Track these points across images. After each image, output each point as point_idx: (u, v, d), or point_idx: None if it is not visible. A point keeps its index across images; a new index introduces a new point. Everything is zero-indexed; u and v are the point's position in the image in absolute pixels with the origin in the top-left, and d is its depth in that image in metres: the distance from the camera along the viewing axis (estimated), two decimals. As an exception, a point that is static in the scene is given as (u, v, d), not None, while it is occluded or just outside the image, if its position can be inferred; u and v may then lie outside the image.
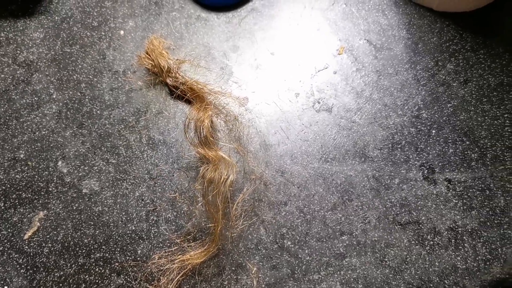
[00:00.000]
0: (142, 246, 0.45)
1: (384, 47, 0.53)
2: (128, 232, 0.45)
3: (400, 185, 0.45)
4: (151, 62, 0.51)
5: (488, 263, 0.41)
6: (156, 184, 0.47)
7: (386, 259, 0.42)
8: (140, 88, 0.52)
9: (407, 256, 0.42)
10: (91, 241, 0.45)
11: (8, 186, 0.47)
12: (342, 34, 0.54)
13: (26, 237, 0.45)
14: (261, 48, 0.54)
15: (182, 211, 0.46)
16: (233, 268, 0.43)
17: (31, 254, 0.45)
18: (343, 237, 0.44)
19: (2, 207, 0.46)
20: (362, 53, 0.53)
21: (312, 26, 0.55)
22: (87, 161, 0.49)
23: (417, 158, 0.47)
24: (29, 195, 0.47)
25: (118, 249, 0.45)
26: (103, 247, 0.45)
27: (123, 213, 0.46)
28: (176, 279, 0.42)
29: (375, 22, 0.54)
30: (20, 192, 0.47)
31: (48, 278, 0.44)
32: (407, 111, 0.49)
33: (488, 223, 0.43)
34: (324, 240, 0.44)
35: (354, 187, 0.46)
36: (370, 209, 0.45)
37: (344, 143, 0.48)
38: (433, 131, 0.48)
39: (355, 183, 0.46)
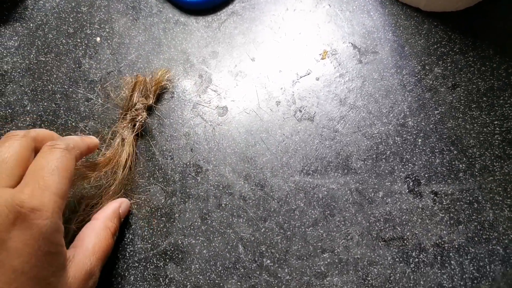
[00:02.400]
0: (117, 266, 0.43)
1: (369, 50, 0.50)
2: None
3: (385, 198, 0.43)
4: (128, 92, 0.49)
5: (475, 281, 0.40)
6: (131, 200, 0.45)
7: (369, 278, 0.41)
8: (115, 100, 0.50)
9: (391, 274, 0.40)
10: (65, 262, 0.44)
11: None
12: (326, 37, 0.52)
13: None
14: (242, 53, 0.52)
15: (159, 228, 0.44)
16: (210, 289, 0.42)
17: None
18: (325, 255, 0.42)
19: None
20: (346, 58, 0.50)
21: (294, 29, 0.53)
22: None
23: (402, 169, 0.44)
24: None
25: (92, 270, 0.43)
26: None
27: (98, 232, 0.44)
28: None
29: (359, 24, 0.52)
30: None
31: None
32: (393, 119, 0.47)
33: (476, 239, 0.41)
34: (305, 258, 0.42)
35: (336, 201, 0.44)
36: (352, 224, 0.43)
37: (327, 154, 0.46)
38: (419, 140, 0.46)
39: (337, 196, 0.44)
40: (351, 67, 0.50)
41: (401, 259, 0.41)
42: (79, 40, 0.54)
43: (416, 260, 0.41)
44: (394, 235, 0.42)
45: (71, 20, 0.56)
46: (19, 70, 0.53)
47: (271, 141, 0.47)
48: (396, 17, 0.52)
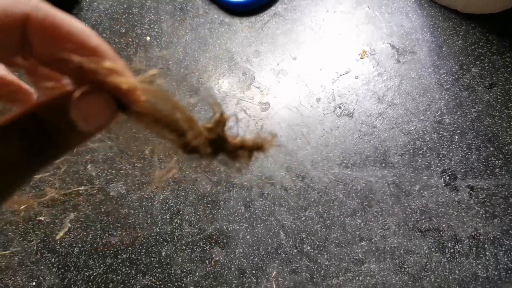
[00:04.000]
0: (166, 248, 0.46)
1: (407, 50, 0.52)
2: (153, 234, 0.47)
3: (421, 191, 0.45)
4: None
5: (509, 271, 0.41)
6: (180, 188, 0.49)
7: (405, 266, 0.42)
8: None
9: (427, 263, 0.42)
10: (118, 242, 0.47)
11: (42, 189, 0.50)
12: (365, 37, 0.54)
13: (58, 237, 0.48)
14: (283, 52, 0.55)
15: (205, 214, 0.47)
16: (253, 271, 0.44)
17: (63, 254, 0.47)
18: (362, 243, 0.44)
19: (36, 209, 0.49)
20: (385, 57, 0.52)
21: (334, 30, 0.55)
22: (114, 165, 0.50)
23: (438, 164, 0.46)
24: (61, 197, 0.49)
25: (144, 251, 0.46)
26: (129, 248, 0.46)
27: (148, 216, 0.48)
28: None
29: (398, 25, 0.54)
30: (53, 194, 0.49)
31: (78, 277, 0.46)
32: (430, 116, 0.48)
33: (511, 231, 0.43)
34: (343, 245, 0.44)
35: (374, 193, 0.46)
36: (389, 215, 0.45)
37: (365, 148, 0.48)
38: (456, 137, 0.47)
39: (375, 189, 0.46)
40: (389, 66, 0.52)
41: (437, 249, 0.43)
42: (130, 39, 0.58)
43: (452, 250, 0.42)
44: (430, 226, 0.44)
45: (123, 20, 0.60)
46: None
47: (312, 135, 0.50)
48: (434, 19, 0.54)
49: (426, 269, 0.42)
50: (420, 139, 0.48)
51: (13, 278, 0.46)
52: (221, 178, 0.49)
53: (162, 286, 0.45)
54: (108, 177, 0.50)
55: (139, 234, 0.47)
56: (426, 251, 0.43)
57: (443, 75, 0.50)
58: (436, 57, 0.51)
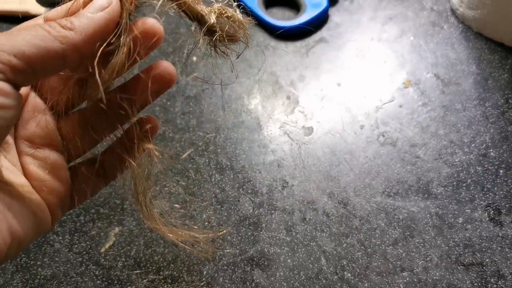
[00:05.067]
0: (207, 268, 0.47)
1: (452, 82, 0.53)
2: (194, 252, 0.48)
3: (464, 224, 0.45)
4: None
5: (555, 312, 0.41)
6: (222, 208, 0.50)
7: (447, 300, 0.42)
8: (210, 113, 0.55)
9: (470, 298, 0.42)
10: (161, 259, 0.48)
11: (88, 201, 0.51)
12: (409, 67, 0.55)
13: (103, 250, 0.49)
14: (328, 78, 0.56)
15: (247, 236, 0.48)
16: (293, 296, 0.45)
17: (107, 267, 0.48)
18: (404, 273, 0.44)
19: (83, 221, 0.50)
20: (429, 87, 0.53)
21: (379, 58, 0.56)
22: (158, 182, 0.52)
23: (483, 198, 0.46)
24: (106, 211, 0.51)
25: (185, 268, 0.47)
26: (171, 265, 0.47)
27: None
28: None
29: (443, 55, 0.55)
30: (98, 208, 0.51)
31: (121, 291, 0.47)
32: (474, 149, 0.49)
33: (557, 271, 0.42)
34: (384, 274, 0.44)
35: (416, 224, 0.46)
36: (432, 247, 0.45)
37: (408, 178, 0.48)
38: (501, 171, 0.47)
39: (417, 219, 0.46)
40: (434, 97, 0.52)
41: (479, 284, 0.42)
42: (177, 59, 0.60)
43: (495, 286, 0.42)
44: (473, 261, 0.44)
45: (171, 40, 0.62)
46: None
47: (355, 162, 0.50)
48: (480, 51, 0.54)
49: (468, 304, 0.42)
50: (464, 172, 0.48)
51: (58, 288, 0.48)
52: (263, 200, 0.50)
53: None
54: (152, 194, 0.51)
55: (181, 252, 0.48)
56: (469, 286, 0.43)
57: (488, 108, 0.50)
58: (482, 90, 0.52)
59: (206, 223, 0.49)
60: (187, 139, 0.54)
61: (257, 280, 0.46)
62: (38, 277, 0.48)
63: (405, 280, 0.44)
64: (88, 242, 0.50)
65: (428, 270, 0.44)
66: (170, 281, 0.47)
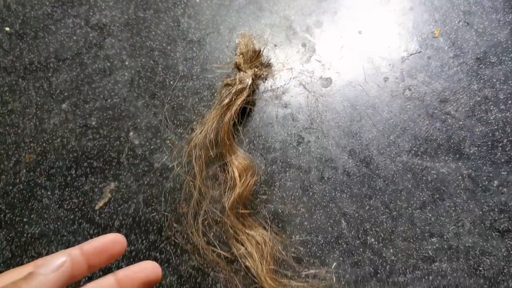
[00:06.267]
0: (215, 230, 0.43)
1: (487, 32, 0.48)
2: (199, 212, 0.43)
3: (500, 188, 0.41)
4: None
5: None
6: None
7: (480, 268, 0.39)
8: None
9: (505, 267, 0.39)
10: (163, 218, 0.43)
11: (80, 153, 0.46)
12: (439, 15, 0.49)
13: (97, 207, 0.44)
14: (348, 25, 0.50)
15: (259, 195, 0.43)
16: (311, 261, 0.41)
17: (102, 226, 0.43)
18: (433, 239, 0.40)
19: (74, 175, 0.45)
20: (461, 38, 0.48)
21: (405, 3, 0.50)
22: (159, 134, 0.47)
23: (520, 159, 0.42)
24: (101, 165, 0.46)
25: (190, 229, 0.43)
26: (175, 225, 0.43)
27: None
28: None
29: (477, 3, 0.49)
30: (92, 161, 0.46)
31: (119, 252, 0.42)
32: (511, 106, 0.44)
33: None
34: (411, 240, 0.40)
35: (447, 186, 0.42)
36: (464, 211, 0.41)
37: (437, 136, 0.44)
38: (540, 131, 0.43)
39: (447, 181, 0.42)
40: (466, 48, 0.47)
41: (516, 252, 0.39)
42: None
43: (532, 255, 0.39)
44: (510, 227, 0.40)
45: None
46: (117, 24, 0.52)
47: (378, 117, 0.45)
48: (518, -1, 0.49)
49: (504, 273, 0.38)
50: (500, 131, 0.43)
51: (47, 248, 0.43)
52: (276, 157, 0.45)
53: (210, 271, 0.42)
54: (152, 147, 0.46)
55: (184, 211, 0.44)
56: (505, 254, 0.39)
57: (526, 62, 0.46)
58: (519, 42, 0.47)
59: (214, 180, 0.44)
60: (190, 88, 0.48)
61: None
62: (25, 235, 0.43)
63: (434, 247, 0.40)
64: (80, 198, 0.45)
65: (459, 236, 0.40)
66: (173, 242, 0.42)
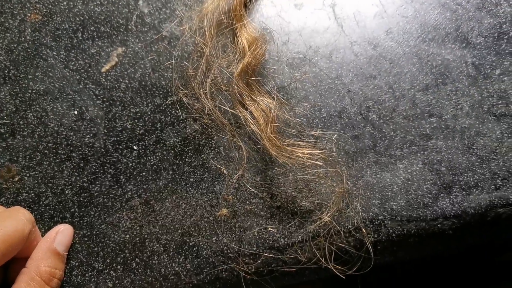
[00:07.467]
0: (220, 97, 0.43)
1: None
2: (207, 82, 0.44)
3: (501, 76, 0.42)
4: None
5: None
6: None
7: (474, 147, 0.41)
8: None
9: (497, 147, 0.40)
10: (169, 84, 0.44)
11: (87, 17, 0.45)
12: None
13: (103, 70, 0.44)
14: None
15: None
16: (312, 133, 0.42)
17: (108, 87, 0.44)
18: (432, 119, 0.42)
19: (80, 38, 0.45)
20: None
21: None
22: (169, 5, 0.46)
23: (523, 51, 0.43)
24: (108, 30, 0.45)
25: (195, 97, 0.43)
26: (181, 90, 0.43)
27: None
28: None
29: None
30: (99, 26, 0.45)
31: (124, 112, 0.43)
32: (521, 1, 0.45)
33: None
34: (411, 119, 0.42)
35: (450, 72, 0.43)
36: (464, 95, 0.42)
37: (446, 25, 0.44)
38: (546, 26, 0.44)
39: (451, 67, 0.43)
40: None
41: (510, 135, 0.41)
42: None
43: (525, 138, 0.41)
44: (506, 112, 0.41)
45: None
46: None
47: (389, 3, 0.45)
48: None
49: (495, 153, 0.40)
50: (508, 24, 0.44)
51: (52, 104, 0.43)
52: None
53: (214, 133, 0.43)
54: (162, 17, 0.46)
55: (193, 74, 0.44)
56: (498, 136, 0.41)
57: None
58: None
59: (223, 52, 0.44)
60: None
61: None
62: (30, 91, 0.43)
63: (432, 126, 0.42)
64: (86, 61, 0.44)
65: (457, 117, 0.42)
66: (178, 106, 0.43)
